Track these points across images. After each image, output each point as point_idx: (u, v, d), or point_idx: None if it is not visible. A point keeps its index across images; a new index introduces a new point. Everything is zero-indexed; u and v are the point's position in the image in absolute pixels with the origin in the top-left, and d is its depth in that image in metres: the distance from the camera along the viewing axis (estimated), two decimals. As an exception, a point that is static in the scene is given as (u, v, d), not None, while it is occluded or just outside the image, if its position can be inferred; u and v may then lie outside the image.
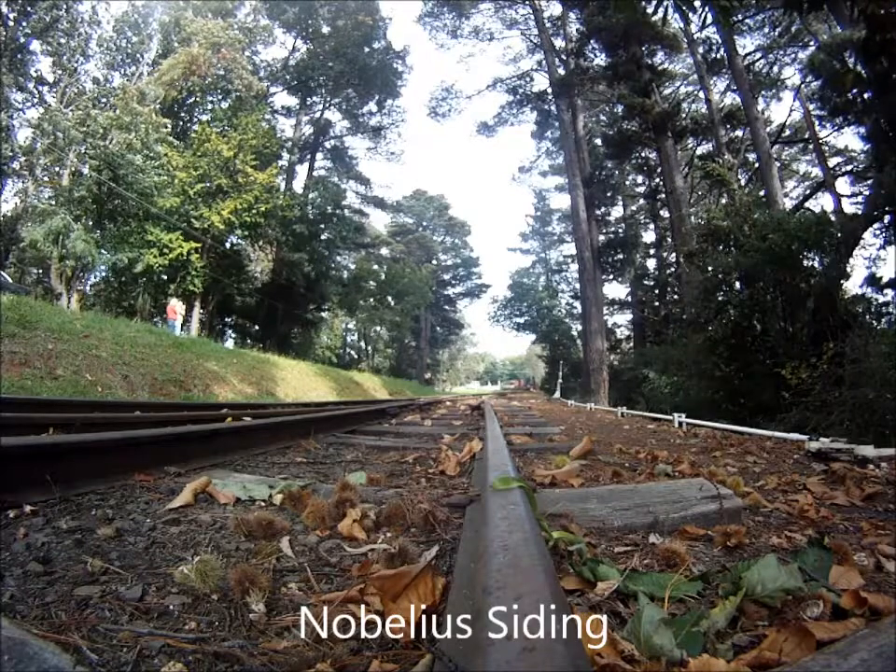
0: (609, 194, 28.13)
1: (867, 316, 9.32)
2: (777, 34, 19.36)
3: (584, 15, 21.40)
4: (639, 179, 28.96)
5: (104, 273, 20.26)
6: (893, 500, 1.80)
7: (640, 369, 16.80)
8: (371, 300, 32.55)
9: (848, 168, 18.86)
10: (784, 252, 8.37)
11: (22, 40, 21.61)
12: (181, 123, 23.82)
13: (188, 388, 8.67)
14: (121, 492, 1.46)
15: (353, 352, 44.72)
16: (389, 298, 32.90)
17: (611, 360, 24.50)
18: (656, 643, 0.70)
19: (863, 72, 7.36)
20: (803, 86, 18.21)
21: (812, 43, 16.94)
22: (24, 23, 21.25)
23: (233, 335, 28.95)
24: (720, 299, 9.88)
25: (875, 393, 6.27)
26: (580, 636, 0.54)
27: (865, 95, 10.19)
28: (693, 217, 18.42)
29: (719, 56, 19.16)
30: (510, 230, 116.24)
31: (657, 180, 23.28)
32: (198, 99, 24.17)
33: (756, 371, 8.71)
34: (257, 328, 28.38)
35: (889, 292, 10.08)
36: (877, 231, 11.84)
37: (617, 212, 31.92)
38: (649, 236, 29.55)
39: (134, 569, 0.94)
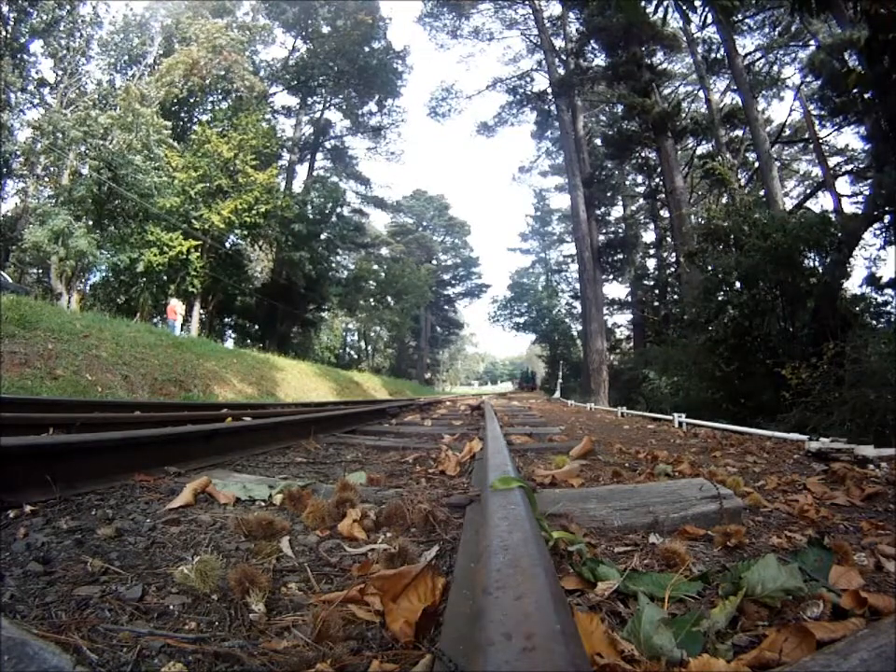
0: (609, 194, 28.12)
1: (867, 316, 9.33)
2: (776, 33, 19.35)
3: (584, 15, 21.39)
4: (639, 179, 28.94)
5: (104, 273, 20.27)
6: (893, 500, 1.80)
7: (640, 369, 16.79)
8: (371, 300, 32.55)
9: (848, 168, 18.85)
10: (785, 252, 8.37)
11: (23, 40, 21.63)
12: (181, 123, 23.81)
13: (188, 388, 8.67)
14: (121, 492, 1.46)
15: (353, 352, 44.73)
16: (389, 298, 32.90)
17: (611, 360, 24.48)
18: (656, 643, 0.70)
19: (864, 72, 7.35)
20: (803, 86, 18.22)
21: (812, 43, 16.94)
22: (24, 24, 21.26)
23: (233, 335, 28.95)
24: (720, 299, 9.87)
25: (875, 393, 6.27)
26: (580, 636, 0.54)
27: (865, 95, 10.18)
28: (692, 217, 18.40)
29: (719, 56, 19.14)
30: (510, 230, 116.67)
31: (657, 180, 23.25)
32: (198, 99, 24.18)
33: (756, 371, 8.71)
34: (257, 328, 28.37)
35: (889, 292, 10.10)
36: (877, 231, 11.85)
37: (617, 212, 31.96)
38: (649, 236, 29.60)
39: (134, 569, 0.94)
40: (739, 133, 19.44)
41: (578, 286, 27.44)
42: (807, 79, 17.51)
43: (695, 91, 23.61)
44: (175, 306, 16.91)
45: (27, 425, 2.30)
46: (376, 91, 31.24)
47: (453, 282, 51.45)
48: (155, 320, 19.78)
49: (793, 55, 19.85)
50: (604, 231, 29.40)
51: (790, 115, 20.07)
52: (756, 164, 17.48)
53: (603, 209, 29.40)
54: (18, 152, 21.21)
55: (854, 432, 5.88)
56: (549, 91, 24.87)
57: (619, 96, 21.02)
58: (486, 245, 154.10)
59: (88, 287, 21.43)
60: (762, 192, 15.18)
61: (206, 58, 21.88)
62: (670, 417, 6.37)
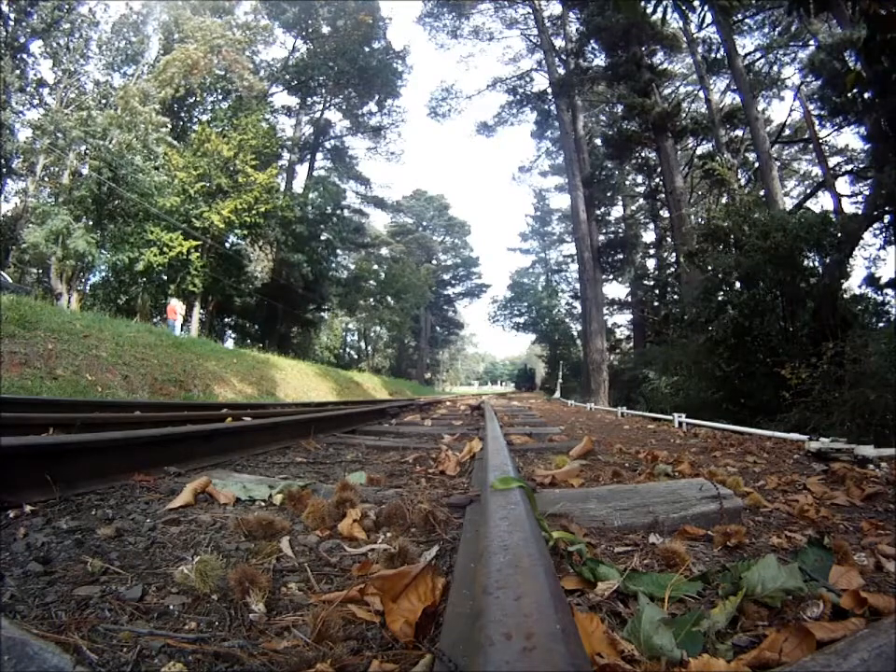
0: (609, 194, 28.12)
1: (867, 316, 9.33)
2: (776, 33, 19.34)
3: (584, 15, 21.38)
4: (639, 179, 28.94)
5: (104, 273, 20.28)
6: (893, 500, 1.80)
7: (640, 369, 16.79)
8: (371, 300, 32.57)
9: (848, 168, 18.84)
10: (786, 252, 8.36)
11: (23, 40, 21.63)
12: (181, 123, 23.81)
13: (188, 388, 8.67)
14: (121, 492, 1.46)
15: (353, 352, 44.75)
16: (389, 298, 32.93)
17: (611, 360, 24.49)
18: (656, 643, 0.70)
19: (864, 72, 7.36)
20: (803, 86, 18.20)
21: (812, 43, 16.93)
22: (24, 24, 21.26)
23: (233, 335, 28.96)
24: (720, 299, 9.87)
25: (875, 393, 6.27)
26: (580, 636, 0.54)
27: (865, 95, 10.18)
28: (692, 217, 18.38)
29: (719, 56, 19.12)
30: (510, 230, 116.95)
31: (657, 180, 23.25)
32: (198, 99, 24.19)
33: (756, 371, 8.70)
34: (257, 328, 28.37)
35: (889, 292, 10.10)
36: (877, 231, 11.86)
37: (617, 212, 31.97)
38: (649, 236, 29.60)
39: (134, 569, 0.94)
40: (739, 133, 19.43)
41: (578, 286, 27.46)
42: (807, 79, 17.48)
43: (695, 91, 23.59)
44: (175, 306, 16.90)
45: (27, 425, 2.30)
46: (376, 91, 31.26)
47: (453, 282, 51.48)
48: (155, 320, 19.78)
49: (793, 55, 19.83)
50: (604, 231, 29.40)
51: (790, 115, 20.06)
52: (756, 164, 17.46)
53: (603, 209, 29.42)
54: (18, 152, 21.21)
55: (854, 432, 5.87)
56: (549, 90, 24.86)
57: (619, 96, 21.02)
58: (486, 245, 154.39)
59: (88, 287, 21.44)
60: (762, 192, 15.13)
61: (205, 58, 21.89)
62: (670, 417, 6.37)
